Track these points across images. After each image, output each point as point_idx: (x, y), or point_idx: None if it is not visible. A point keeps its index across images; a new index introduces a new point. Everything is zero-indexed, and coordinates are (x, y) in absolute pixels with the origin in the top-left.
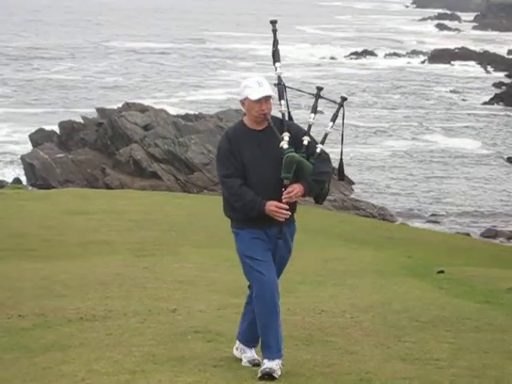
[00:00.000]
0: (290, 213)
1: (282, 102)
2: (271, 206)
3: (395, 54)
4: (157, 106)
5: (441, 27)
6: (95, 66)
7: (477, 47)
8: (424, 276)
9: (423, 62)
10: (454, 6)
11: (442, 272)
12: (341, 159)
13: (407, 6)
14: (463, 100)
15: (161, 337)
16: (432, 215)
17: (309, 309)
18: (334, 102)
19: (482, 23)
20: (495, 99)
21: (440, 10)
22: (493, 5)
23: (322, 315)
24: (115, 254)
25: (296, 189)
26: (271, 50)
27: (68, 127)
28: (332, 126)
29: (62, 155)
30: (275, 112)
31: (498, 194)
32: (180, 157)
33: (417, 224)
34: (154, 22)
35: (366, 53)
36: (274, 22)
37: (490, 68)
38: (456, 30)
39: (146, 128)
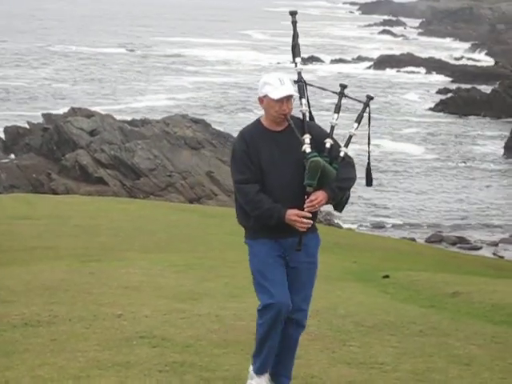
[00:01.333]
0: (311, 222)
1: (303, 100)
2: (292, 215)
3: (341, 60)
4: (103, 112)
5: (386, 33)
6: (41, 71)
7: (422, 53)
8: (369, 281)
9: (369, 68)
10: (400, 13)
11: (387, 277)
12: (368, 163)
13: (353, 12)
14: (408, 106)
15: (106, 342)
16: (378, 221)
17: (255, 314)
18: (360, 101)
19: (427, 29)
20: (440, 105)
21: (386, 17)
22: (438, 11)
23: None
24: (60, 260)
25: (320, 197)
26: (291, 43)
27: (13, 132)
28: (357, 128)
29: (6, 160)
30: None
31: (443, 200)
32: (126, 162)
33: (363, 230)
34: (101, 27)
35: (313, 59)
36: (293, 14)
37: (435, 74)
38: (402, 36)
39: (92, 133)
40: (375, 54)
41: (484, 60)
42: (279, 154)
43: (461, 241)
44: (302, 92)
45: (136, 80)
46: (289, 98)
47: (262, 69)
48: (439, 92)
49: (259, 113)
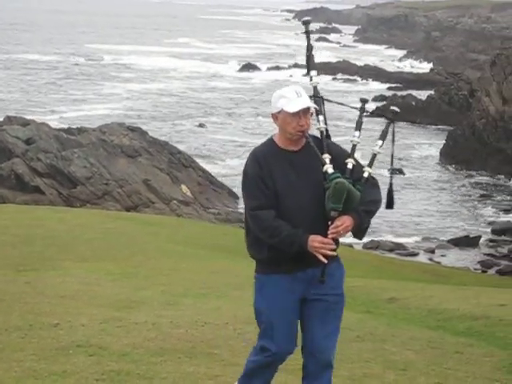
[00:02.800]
0: (335, 248)
1: (320, 117)
2: (315, 241)
3: (277, 68)
4: (38, 120)
5: (323, 41)
6: None
7: (358, 60)
8: None
9: (305, 76)
10: (336, 20)
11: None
12: (390, 184)
13: (289, 20)
14: (344, 113)
15: (42, 351)
16: None
17: (192, 321)
18: (384, 116)
19: (363, 37)
20: (376, 112)
21: (322, 24)
22: (373, 19)
23: (206, 327)
24: None
25: (346, 222)
26: (305, 55)
27: None
28: (381, 146)
29: None
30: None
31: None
32: (63, 171)
33: None
34: (35, 35)
35: (249, 66)
36: (307, 23)
37: (371, 81)
38: (338, 43)
39: (27, 142)
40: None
41: (419, 67)
42: (296, 177)
43: (398, 247)
44: (319, 108)
45: (71, 88)
46: (306, 111)
47: (198, 76)
48: (375, 99)
49: (201, 119)
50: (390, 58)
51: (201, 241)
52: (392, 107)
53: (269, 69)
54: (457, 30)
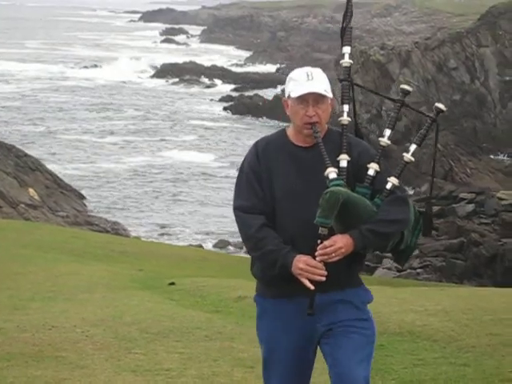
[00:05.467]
0: (324, 275)
1: (345, 107)
2: (300, 261)
3: (124, 69)
4: None
5: (169, 42)
6: None
7: (205, 61)
8: (155, 288)
9: (152, 77)
10: (182, 21)
11: (173, 284)
12: (427, 203)
13: (134, 21)
14: (190, 113)
15: None
16: (164, 228)
17: (39, 325)
18: (424, 114)
19: (209, 37)
20: (224, 112)
21: (168, 25)
22: (219, 19)
23: (53, 331)
24: None
25: (338, 242)
26: (340, 26)
27: None
28: (413, 151)
29: None
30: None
31: (230, 203)
32: None
33: (150, 238)
34: None
35: (94, 66)
36: None
37: (218, 81)
38: (184, 44)
39: None
40: (158, 63)
41: (266, 67)
42: (301, 178)
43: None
44: (345, 95)
45: None
46: (318, 99)
47: (44, 78)
48: (222, 99)
49: (47, 122)
50: (236, 59)
51: (49, 244)
52: (437, 104)
53: (115, 70)
54: (302, 30)
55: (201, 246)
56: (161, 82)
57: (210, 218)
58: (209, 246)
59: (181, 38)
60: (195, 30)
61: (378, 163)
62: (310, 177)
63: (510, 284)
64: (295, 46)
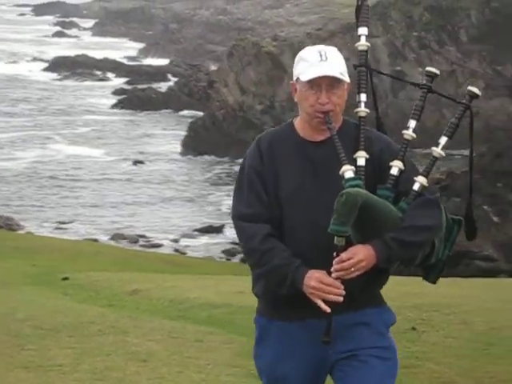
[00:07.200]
0: (341, 294)
1: (363, 96)
2: (312, 278)
3: (15, 62)
4: None
5: (61, 35)
6: None
7: (97, 54)
8: (49, 283)
9: (45, 70)
10: (74, 14)
11: (66, 279)
12: (468, 204)
13: (24, 14)
14: (82, 107)
15: None
16: (59, 223)
17: None
18: (455, 100)
19: (101, 30)
20: (117, 105)
21: (59, 18)
22: (110, 12)
23: None
24: None
25: (357, 255)
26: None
27: None
28: (444, 146)
29: None
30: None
31: (122, 202)
32: None
33: (45, 233)
34: None
35: None
36: None
37: (110, 74)
38: (76, 37)
39: None
40: (49, 56)
41: (158, 60)
42: (312, 179)
43: (142, 239)
44: (362, 82)
45: None
46: (333, 83)
47: None
48: (115, 93)
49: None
50: (129, 51)
51: None
52: (470, 87)
53: (7, 63)
54: (194, 22)
55: (96, 240)
56: (53, 75)
57: (104, 211)
58: (104, 239)
59: (72, 31)
60: (87, 22)
61: (402, 160)
62: (323, 177)
63: None
64: (188, 38)
